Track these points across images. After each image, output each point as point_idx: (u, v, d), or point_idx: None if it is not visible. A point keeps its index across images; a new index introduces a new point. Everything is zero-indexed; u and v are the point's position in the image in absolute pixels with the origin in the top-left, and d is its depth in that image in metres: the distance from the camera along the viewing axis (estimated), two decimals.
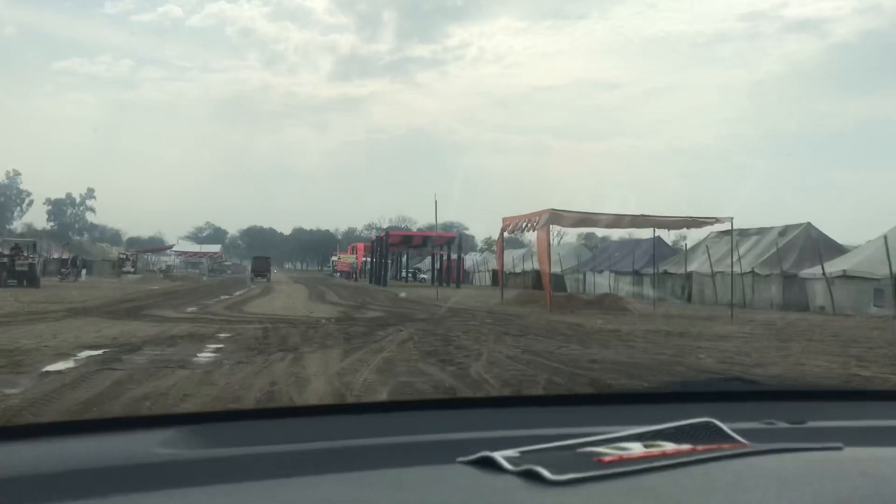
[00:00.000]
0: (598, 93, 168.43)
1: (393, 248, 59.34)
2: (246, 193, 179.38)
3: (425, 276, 79.93)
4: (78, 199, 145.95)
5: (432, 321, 17.48)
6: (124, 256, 67.76)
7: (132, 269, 59.66)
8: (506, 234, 27.21)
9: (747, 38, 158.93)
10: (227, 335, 12.74)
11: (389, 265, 63.84)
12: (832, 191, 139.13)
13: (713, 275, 35.84)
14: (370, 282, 63.28)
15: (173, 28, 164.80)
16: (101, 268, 69.86)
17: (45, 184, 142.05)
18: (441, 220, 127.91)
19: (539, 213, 23.14)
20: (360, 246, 78.72)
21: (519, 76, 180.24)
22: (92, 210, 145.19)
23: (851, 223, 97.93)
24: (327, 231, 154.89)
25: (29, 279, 31.60)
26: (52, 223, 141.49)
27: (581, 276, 49.58)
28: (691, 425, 1.21)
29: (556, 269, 58.01)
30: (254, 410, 2.14)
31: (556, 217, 22.53)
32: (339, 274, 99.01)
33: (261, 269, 66.38)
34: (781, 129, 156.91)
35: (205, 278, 62.42)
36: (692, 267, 37.69)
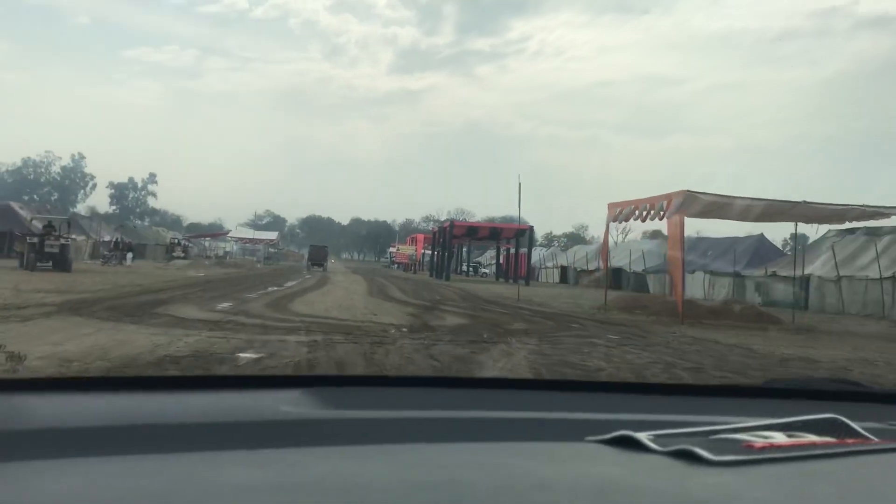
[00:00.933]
0: (660, 89, 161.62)
1: (456, 240, 54.73)
2: (305, 183, 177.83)
3: (486, 271, 75.29)
4: (140, 184, 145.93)
5: (538, 335, 12.71)
6: (175, 241, 64.56)
7: (182, 255, 56.21)
8: (613, 222, 22.11)
9: (816, 35, 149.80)
10: (252, 356, 8.24)
11: (451, 258, 59.44)
12: None
13: (838, 279, 30.36)
14: (430, 275, 58.85)
15: (238, 19, 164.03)
16: (153, 252, 66.91)
17: (108, 168, 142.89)
18: (497, 214, 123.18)
19: (666, 196, 18.20)
20: (420, 237, 74.34)
21: (579, 70, 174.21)
22: (153, 195, 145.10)
23: None
24: (384, 222, 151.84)
25: (59, 262, 27.77)
26: (114, 207, 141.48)
27: (666, 278, 44.29)
28: (820, 420, 1.16)
29: (622, 265, 52.78)
30: (377, 377, 2.05)
31: (691, 200, 17.54)
32: (396, 265, 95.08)
33: (318, 258, 62.57)
34: (851, 128, 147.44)
35: (259, 265, 58.78)
36: (810, 269, 32.11)
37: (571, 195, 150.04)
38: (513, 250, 55.35)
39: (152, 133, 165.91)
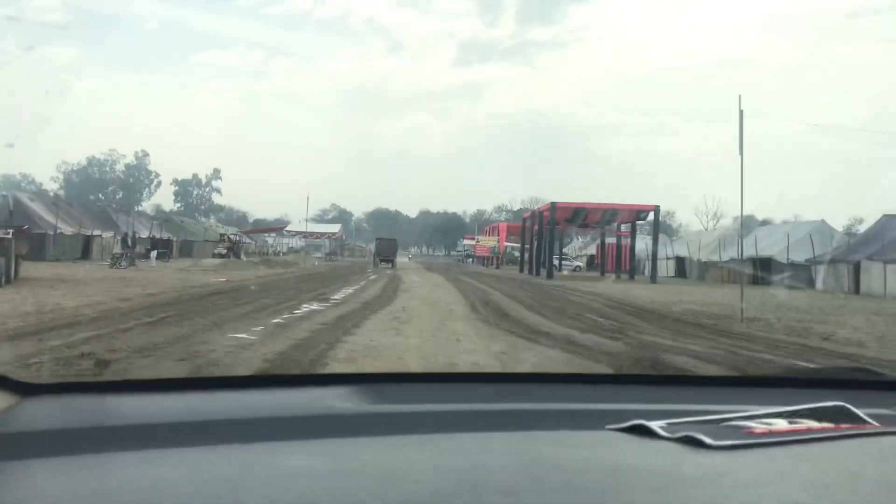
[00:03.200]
0: (728, 72, 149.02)
1: (556, 227, 44.14)
2: (371, 177, 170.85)
3: (579, 264, 64.17)
4: (204, 181, 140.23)
5: None
6: (225, 237, 55.62)
7: (223, 252, 47.21)
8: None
9: (893, 9, 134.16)
10: None
11: (536, 251, 48.91)
12: None
13: None
14: (521, 270, 48.27)
15: (301, 19, 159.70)
16: (201, 249, 58.25)
17: (175, 168, 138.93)
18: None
19: None
20: (503, 226, 63.64)
21: (643, 56, 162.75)
22: (218, 191, 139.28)
23: None
24: (454, 214, 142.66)
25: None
26: (178, 204, 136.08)
27: (848, 268, 32.64)
28: (825, 408, 1.21)
29: (771, 253, 41.33)
30: (419, 374, 1.95)
31: None
32: (472, 259, 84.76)
33: (386, 252, 52.91)
34: None
35: (316, 263, 49.29)
36: None
37: (642, 184, 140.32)
38: (625, 239, 44.60)
39: (219, 133, 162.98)
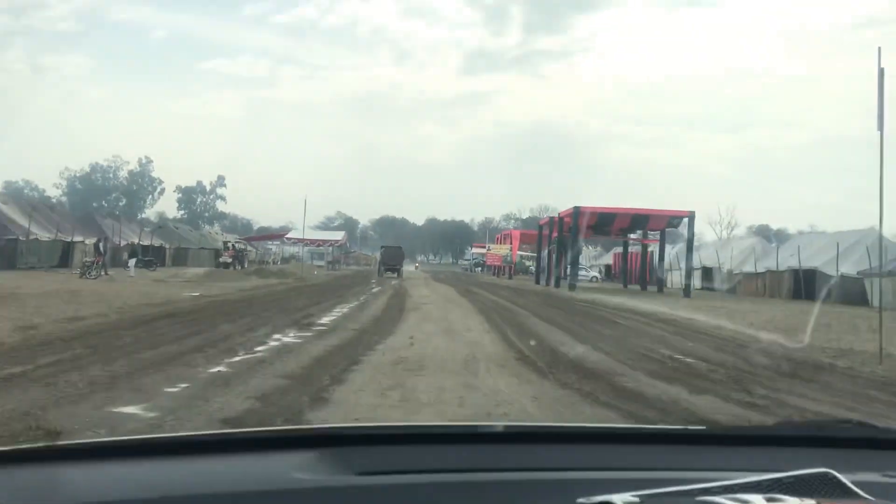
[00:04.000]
0: (733, 82, 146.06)
1: (580, 234, 40.01)
2: (378, 185, 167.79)
3: (597, 275, 59.97)
4: (208, 188, 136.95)
5: None
6: (227, 245, 51.75)
7: (228, 260, 44.16)
8: None
9: None
10: None
11: (555, 260, 44.75)
12: None
13: None
14: (537, 282, 44.13)
15: (309, 28, 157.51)
16: (196, 258, 54.30)
17: (181, 175, 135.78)
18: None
19: None
20: (516, 234, 59.41)
21: (650, 65, 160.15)
22: (222, 198, 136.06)
23: None
24: (462, 222, 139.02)
25: None
26: (182, 211, 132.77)
27: None
28: (809, 476, 1.10)
29: (814, 265, 37.15)
30: (391, 430, 1.54)
31: None
32: (480, 269, 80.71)
33: (391, 261, 48.87)
34: None
35: (316, 272, 45.20)
36: None
37: (649, 194, 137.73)
38: (652, 248, 40.45)
39: (225, 141, 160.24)
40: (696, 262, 49.87)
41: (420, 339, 11.12)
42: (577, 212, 33.73)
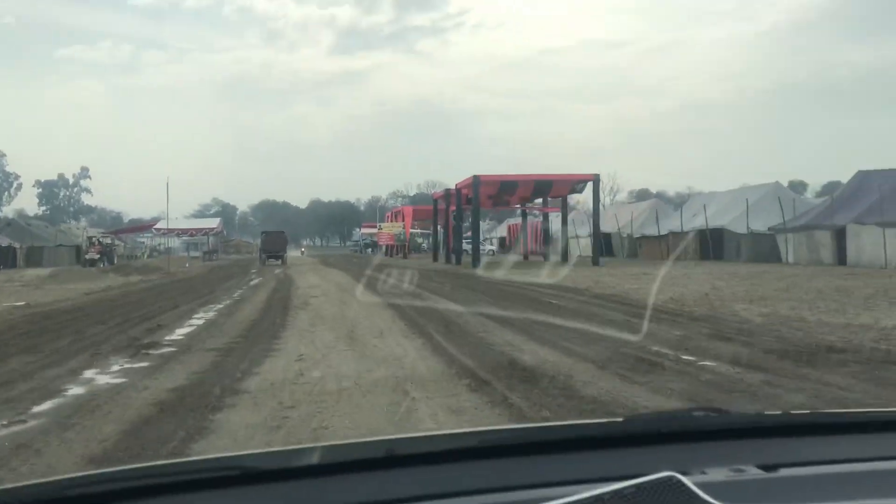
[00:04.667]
0: (604, 52, 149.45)
1: (468, 206, 36.91)
2: (256, 170, 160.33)
3: (492, 248, 57.41)
4: (71, 181, 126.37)
5: None
6: (93, 241, 45.70)
7: (95, 257, 38.91)
8: None
9: None
10: None
11: (454, 235, 41.64)
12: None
13: None
14: (436, 259, 40.89)
15: (172, 10, 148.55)
16: (53, 256, 47.80)
17: (39, 167, 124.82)
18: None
19: None
20: (408, 210, 55.77)
21: (523, 40, 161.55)
22: (88, 191, 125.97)
23: None
24: (347, 202, 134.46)
25: None
26: (43, 207, 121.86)
27: (831, 235, 26.80)
28: (653, 483, 0.99)
29: (719, 225, 35.64)
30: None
31: None
32: (371, 249, 76.85)
33: (273, 248, 44.60)
34: (789, 81, 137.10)
35: (188, 265, 40.16)
36: None
37: (533, 164, 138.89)
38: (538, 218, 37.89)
39: (89, 131, 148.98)
40: (589, 230, 48.08)
41: (314, 358, 7.49)
42: (476, 181, 30.50)
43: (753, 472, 1.17)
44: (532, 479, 1.13)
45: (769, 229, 30.27)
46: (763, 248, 30.73)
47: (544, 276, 22.95)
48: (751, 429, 1.45)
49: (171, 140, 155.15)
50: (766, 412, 2.16)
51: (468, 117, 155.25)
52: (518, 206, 38.78)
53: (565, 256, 35.43)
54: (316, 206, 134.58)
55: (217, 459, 1.34)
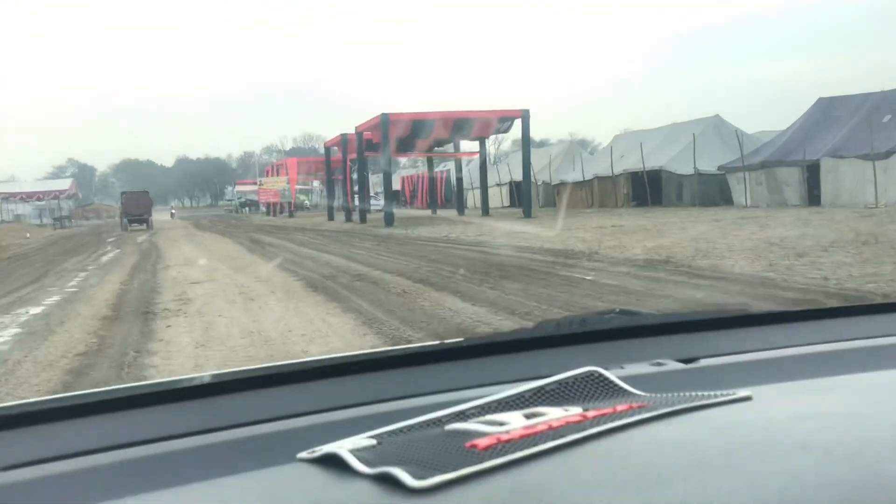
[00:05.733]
0: None
1: (372, 153, 31.20)
2: (113, 127, 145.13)
3: (379, 203, 51.69)
4: None
5: None
6: None
7: None
8: None
9: None
10: None
11: (354, 188, 35.76)
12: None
13: None
14: (332, 217, 34.98)
15: None
16: None
17: None
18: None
19: None
20: (292, 162, 48.86)
21: None
22: None
23: None
24: (218, 159, 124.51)
25: None
26: None
27: (800, 172, 23.08)
28: (575, 378, 0.97)
29: (644, 168, 31.69)
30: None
31: None
32: (248, 209, 69.50)
33: (137, 210, 37.65)
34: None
35: (28, 235, 32.34)
36: None
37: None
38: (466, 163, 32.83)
39: None
40: (507, 177, 43.48)
41: None
42: (385, 121, 24.67)
43: (673, 365, 1.15)
44: (446, 385, 1.07)
45: (718, 168, 26.41)
46: (710, 191, 26.94)
47: (496, 234, 17.92)
48: (665, 326, 1.41)
49: (9, 98, 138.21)
50: (678, 311, 2.07)
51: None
52: (425, 151, 33.19)
53: (486, 209, 30.54)
54: (183, 163, 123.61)
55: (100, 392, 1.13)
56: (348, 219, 31.71)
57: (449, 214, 34.07)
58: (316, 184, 67.42)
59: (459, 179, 34.09)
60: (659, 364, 1.16)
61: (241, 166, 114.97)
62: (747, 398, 0.89)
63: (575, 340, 1.33)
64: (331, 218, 34.87)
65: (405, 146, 27.93)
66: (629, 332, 1.39)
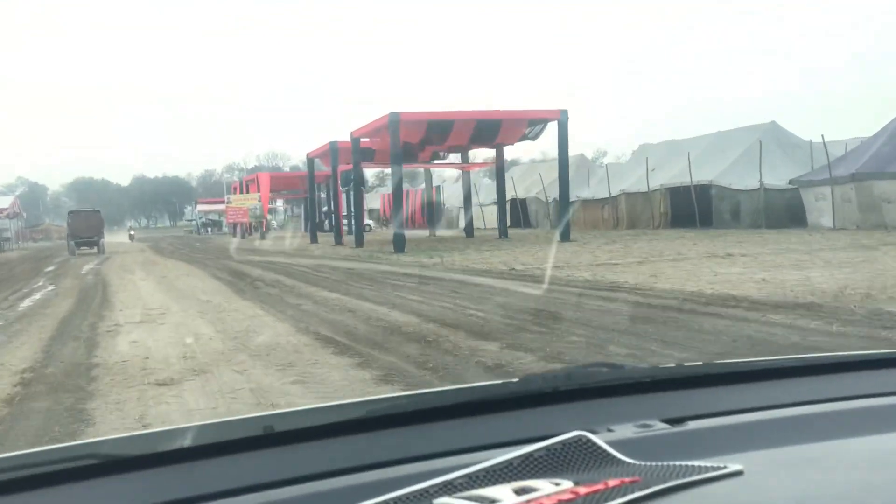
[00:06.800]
0: None
1: (371, 164, 26.14)
2: (64, 144, 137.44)
3: (370, 223, 46.58)
4: None
5: None
6: None
7: None
8: None
9: None
10: None
11: (347, 207, 30.73)
12: None
13: None
14: (314, 240, 29.84)
15: None
16: None
17: None
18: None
19: None
20: (264, 177, 43.34)
21: None
22: None
23: None
24: (177, 178, 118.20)
25: None
26: None
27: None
28: (563, 444, 0.94)
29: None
30: None
31: None
32: (209, 230, 63.80)
33: (86, 232, 32.13)
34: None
35: None
36: None
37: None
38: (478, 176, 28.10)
39: None
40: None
41: None
42: (395, 119, 19.80)
43: (661, 427, 1.10)
44: (430, 448, 1.02)
45: (790, 182, 22.07)
46: (777, 209, 22.60)
47: (582, 267, 13.17)
48: (648, 382, 1.35)
49: None
50: (660, 365, 1.84)
51: None
52: (427, 163, 28.24)
53: (504, 231, 25.77)
54: (140, 182, 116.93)
55: (72, 447, 1.10)
56: (338, 241, 26.65)
57: (449, 235, 29.32)
58: (279, 202, 62.12)
59: (467, 196, 29.18)
60: (646, 426, 1.09)
61: (201, 185, 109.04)
62: (738, 472, 0.84)
63: (560, 398, 1.24)
64: (314, 240, 29.74)
65: (411, 154, 23.02)
66: (615, 389, 1.29)
